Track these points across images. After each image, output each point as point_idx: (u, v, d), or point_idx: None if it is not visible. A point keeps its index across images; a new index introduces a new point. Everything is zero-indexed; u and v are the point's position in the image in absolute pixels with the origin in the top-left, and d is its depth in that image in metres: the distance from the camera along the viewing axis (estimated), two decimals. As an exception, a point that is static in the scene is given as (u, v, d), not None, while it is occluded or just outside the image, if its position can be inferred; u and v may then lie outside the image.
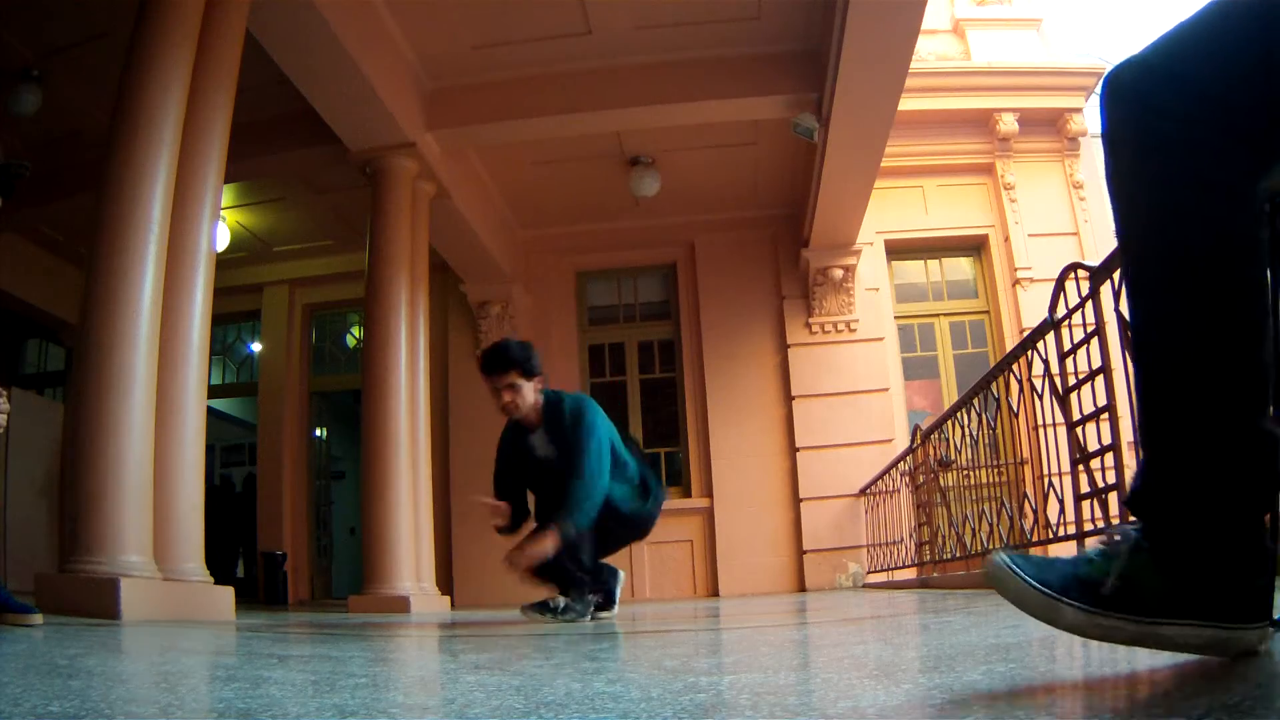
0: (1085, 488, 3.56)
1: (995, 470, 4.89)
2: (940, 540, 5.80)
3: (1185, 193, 0.96)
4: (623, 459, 3.67)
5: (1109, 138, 1.04)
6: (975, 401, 4.92)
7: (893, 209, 8.54)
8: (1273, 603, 1.01)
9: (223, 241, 7.58)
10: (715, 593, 7.98)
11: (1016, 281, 8.28)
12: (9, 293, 8.10)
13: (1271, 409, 0.97)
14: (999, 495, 4.72)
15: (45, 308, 8.32)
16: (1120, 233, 1.05)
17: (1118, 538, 1.02)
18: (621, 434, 3.79)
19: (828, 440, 8.19)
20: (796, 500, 8.14)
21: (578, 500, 3.33)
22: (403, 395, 5.93)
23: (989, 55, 8.69)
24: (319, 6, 4.74)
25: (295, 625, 3.69)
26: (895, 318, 8.63)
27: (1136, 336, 1.04)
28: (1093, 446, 3.53)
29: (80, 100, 6.23)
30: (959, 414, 5.23)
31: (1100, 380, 3.41)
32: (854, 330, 8.40)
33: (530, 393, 3.59)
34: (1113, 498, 3.37)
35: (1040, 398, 3.94)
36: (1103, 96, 1.04)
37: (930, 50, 8.54)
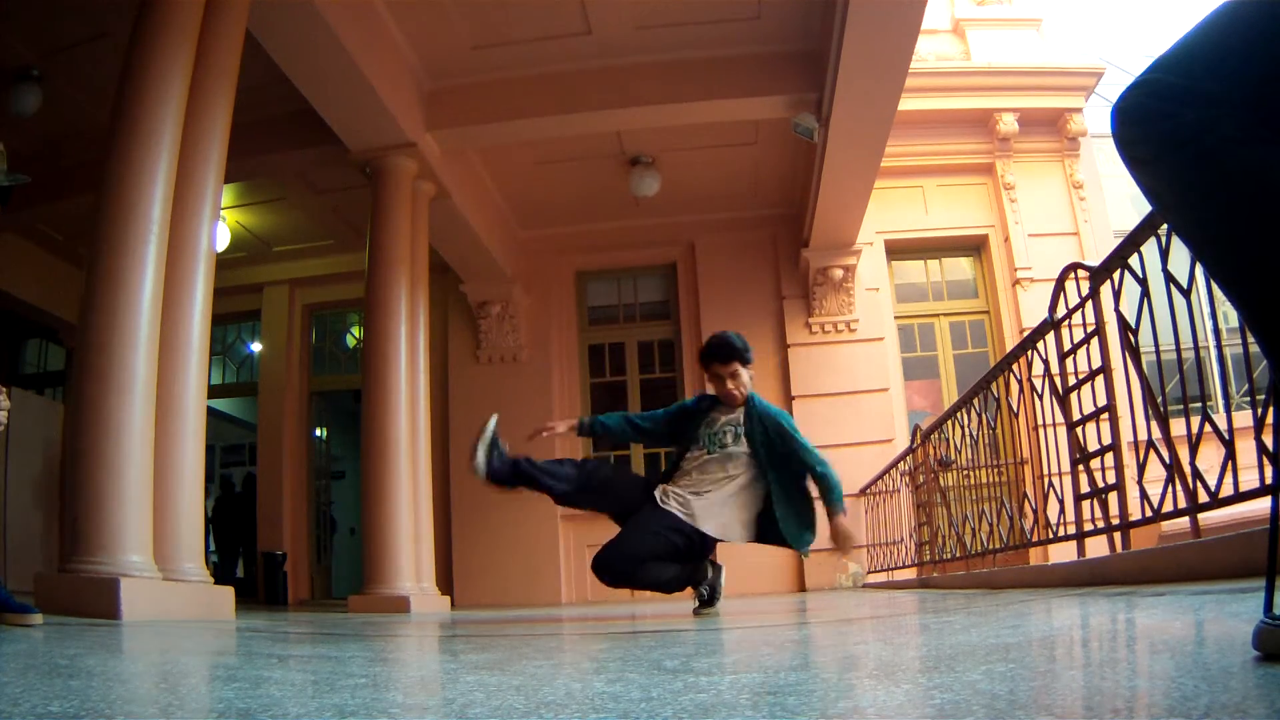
0: (1085, 488, 3.56)
1: (995, 470, 4.89)
2: (940, 540, 5.80)
3: (1231, 176, 0.95)
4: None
5: (1132, 160, 1.03)
6: (975, 401, 4.92)
7: (893, 209, 8.54)
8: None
9: (223, 241, 7.57)
10: (715, 593, 7.97)
11: (1016, 281, 8.28)
12: (9, 293, 8.10)
13: None
14: (999, 495, 4.72)
15: (45, 308, 8.32)
16: (1191, 239, 1.04)
17: None
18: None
19: (828, 440, 8.15)
20: (796, 500, 8.13)
21: (836, 489, 3.86)
22: (403, 395, 5.93)
23: (989, 55, 8.69)
24: (319, 6, 4.74)
25: (295, 625, 3.69)
26: (895, 318, 8.63)
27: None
28: (1093, 446, 3.53)
29: (80, 100, 6.24)
30: (959, 414, 5.23)
31: (1100, 380, 3.41)
32: (854, 330, 8.40)
33: (747, 376, 3.95)
34: (1113, 498, 3.38)
35: (1040, 398, 3.94)
36: (1115, 125, 1.04)
37: (930, 50, 8.54)
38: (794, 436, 3.92)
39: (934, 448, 6.03)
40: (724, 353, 3.90)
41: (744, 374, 3.93)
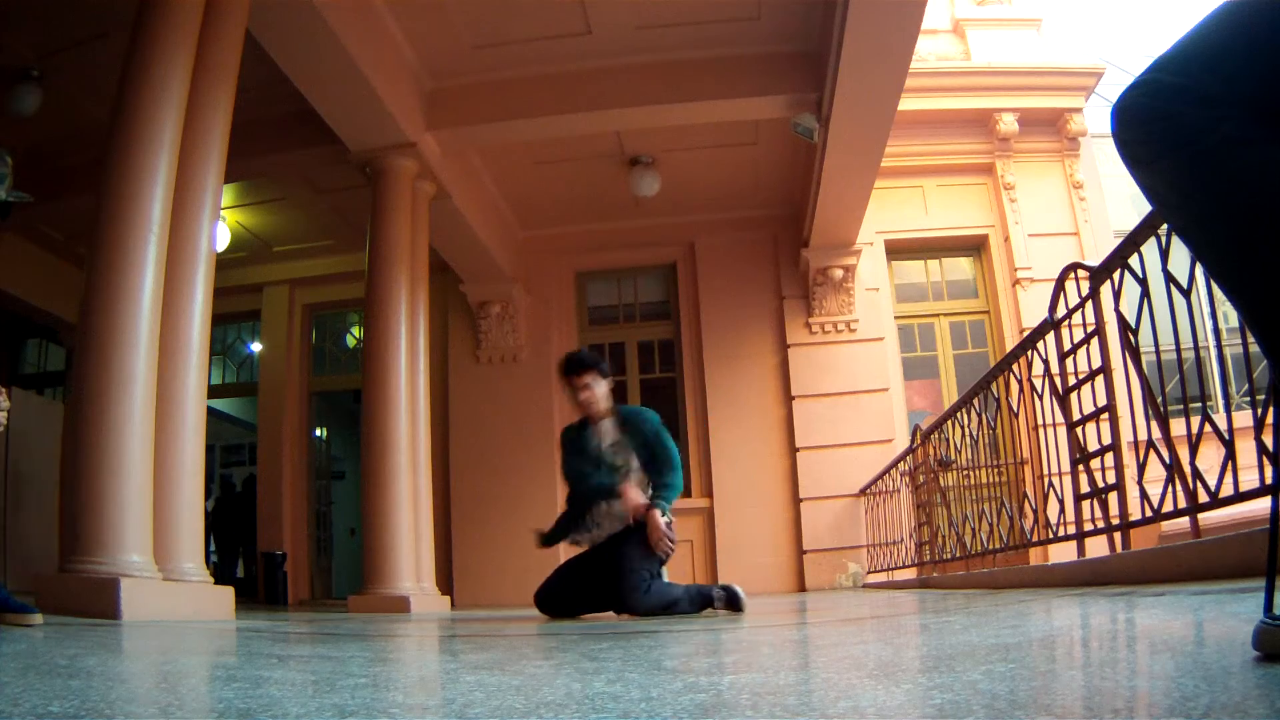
0: (1085, 488, 3.56)
1: (995, 470, 4.89)
2: (940, 540, 5.80)
3: (1232, 170, 0.95)
4: None
5: (1132, 160, 1.03)
6: (975, 401, 4.92)
7: (893, 209, 8.53)
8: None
9: (223, 241, 7.57)
10: (715, 593, 7.97)
11: (1016, 281, 8.28)
12: (9, 293, 8.10)
13: None
14: (999, 495, 4.73)
15: (45, 308, 8.32)
16: (1191, 239, 1.04)
17: None
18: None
19: (828, 440, 8.19)
20: (796, 500, 8.14)
21: (671, 486, 3.99)
22: (403, 395, 5.93)
23: (989, 55, 8.69)
24: (319, 6, 4.74)
25: (295, 625, 3.69)
26: (895, 318, 8.63)
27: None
28: (1093, 446, 3.53)
29: (80, 100, 6.24)
30: (959, 414, 5.23)
31: (1100, 380, 3.41)
32: (854, 330, 8.40)
33: (602, 386, 4.15)
34: (1113, 498, 3.38)
35: (1040, 398, 3.94)
36: (1115, 125, 1.04)
37: (930, 50, 8.54)
38: (662, 436, 4.10)
39: (934, 448, 6.03)
40: (575, 365, 4.13)
41: (599, 386, 4.11)
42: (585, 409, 4.14)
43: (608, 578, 3.92)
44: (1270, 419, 2.33)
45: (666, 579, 4.25)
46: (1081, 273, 3.46)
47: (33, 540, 6.52)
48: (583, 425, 4.20)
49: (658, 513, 3.90)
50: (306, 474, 9.31)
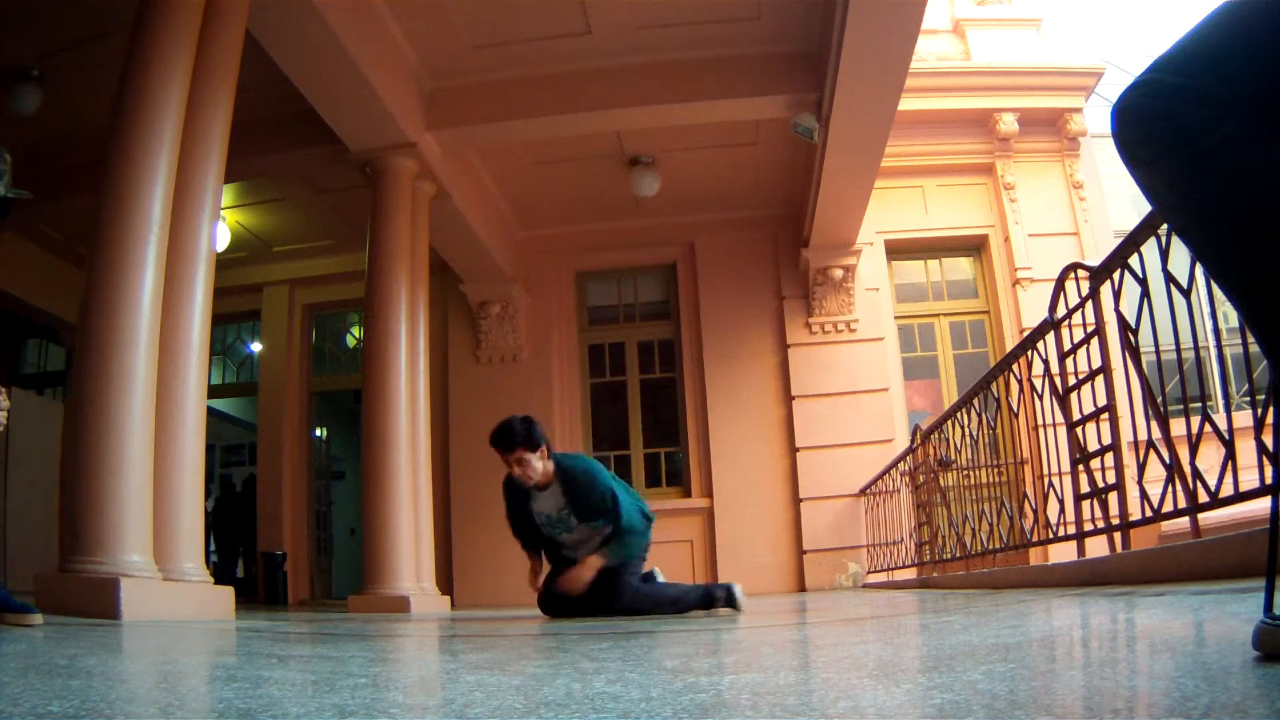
0: (1085, 488, 3.56)
1: (995, 470, 4.89)
2: (940, 540, 5.80)
3: (1230, 169, 0.95)
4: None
5: (1132, 160, 1.03)
6: (975, 401, 4.92)
7: (893, 209, 8.53)
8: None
9: (223, 241, 7.57)
10: (715, 593, 7.97)
11: (1016, 281, 8.28)
12: (9, 293, 8.10)
13: None
14: (999, 495, 4.73)
15: (45, 308, 8.32)
16: (1191, 239, 1.04)
17: None
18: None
19: (828, 440, 8.19)
20: (796, 500, 8.14)
21: (627, 543, 3.88)
22: (403, 395, 5.93)
23: (989, 55, 8.69)
24: (319, 6, 4.74)
25: (295, 625, 3.69)
26: (895, 318, 8.63)
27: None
28: (1093, 446, 3.53)
29: (80, 100, 6.24)
30: (959, 414, 5.23)
31: (1100, 380, 3.41)
32: (854, 330, 8.40)
33: (538, 462, 3.94)
34: (1113, 498, 3.38)
35: (1040, 398, 3.94)
36: (1115, 125, 1.04)
37: (930, 50, 8.54)
38: (606, 497, 3.91)
39: (934, 448, 6.03)
40: (502, 440, 3.92)
41: (533, 460, 3.90)
42: (522, 483, 3.99)
43: (600, 581, 3.95)
44: (1270, 419, 2.33)
45: (661, 579, 4.26)
46: (1081, 273, 3.46)
47: (33, 540, 6.52)
48: (519, 487, 4.09)
49: (591, 559, 3.86)
50: (306, 474, 9.31)
